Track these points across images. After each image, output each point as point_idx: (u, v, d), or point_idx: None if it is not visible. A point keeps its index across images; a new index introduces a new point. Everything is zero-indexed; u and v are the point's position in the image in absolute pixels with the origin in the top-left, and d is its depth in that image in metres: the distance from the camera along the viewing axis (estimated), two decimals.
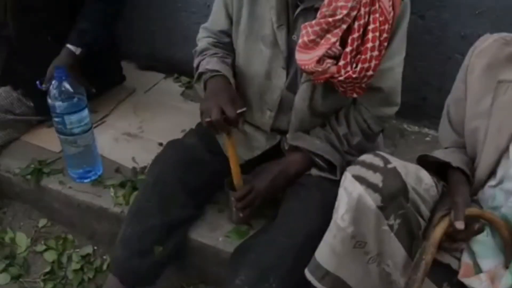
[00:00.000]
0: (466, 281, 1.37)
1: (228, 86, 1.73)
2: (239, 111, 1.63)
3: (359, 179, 1.36)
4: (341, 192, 1.41)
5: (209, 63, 1.78)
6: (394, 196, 1.35)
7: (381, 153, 1.43)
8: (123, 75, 2.68)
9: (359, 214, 1.36)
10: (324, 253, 1.45)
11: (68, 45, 2.20)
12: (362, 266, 1.43)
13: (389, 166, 1.37)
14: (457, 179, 1.44)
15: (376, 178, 1.35)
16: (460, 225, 1.30)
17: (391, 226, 1.37)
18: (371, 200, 1.34)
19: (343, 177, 1.42)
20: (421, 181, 1.41)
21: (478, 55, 1.45)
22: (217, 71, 1.75)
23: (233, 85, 1.77)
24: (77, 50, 2.20)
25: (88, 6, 2.24)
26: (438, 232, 1.35)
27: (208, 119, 1.61)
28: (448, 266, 1.42)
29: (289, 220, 1.68)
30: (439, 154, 1.55)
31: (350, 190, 1.37)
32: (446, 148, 1.62)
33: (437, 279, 1.42)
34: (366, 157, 1.42)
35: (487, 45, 1.44)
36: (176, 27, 2.72)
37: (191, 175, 1.83)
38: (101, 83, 2.44)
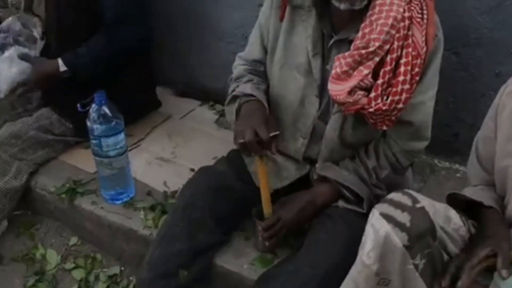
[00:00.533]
0: None
1: (263, 110, 1.76)
2: (272, 134, 1.65)
3: (386, 217, 1.36)
4: (368, 229, 1.40)
5: (245, 89, 1.82)
6: (421, 236, 1.34)
7: (410, 191, 1.42)
8: (158, 101, 2.74)
9: (385, 252, 1.36)
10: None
11: (59, 59, 2.28)
12: None
13: (418, 205, 1.37)
14: (494, 217, 1.42)
15: (404, 218, 1.35)
16: (506, 274, 1.27)
17: (416, 266, 1.36)
18: (398, 239, 1.34)
19: (370, 214, 1.42)
20: (450, 220, 1.40)
21: (509, 94, 1.45)
22: (252, 95, 1.79)
23: (267, 110, 1.79)
24: (62, 68, 2.27)
25: (96, 35, 2.30)
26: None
27: (241, 141, 1.63)
28: None
29: (314, 251, 1.68)
30: (469, 192, 1.55)
31: (377, 228, 1.37)
32: (475, 185, 1.61)
33: None
34: (395, 196, 1.42)
35: None
36: (214, 57, 2.78)
37: (221, 202, 1.86)
38: (137, 110, 2.52)
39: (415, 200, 1.38)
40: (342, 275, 1.61)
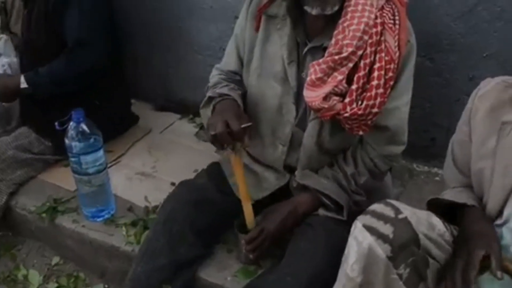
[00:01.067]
0: None
1: (236, 105, 1.77)
2: (244, 125, 1.65)
3: (369, 229, 1.37)
4: (351, 241, 1.41)
5: (220, 90, 1.84)
6: (404, 246, 1.35)
7: (392, 202, 1.43)
8: (136, 116, 2.75)
9: (368, 264, 1.36)
10: None
11: (22, 75, 2.30)
12: None
13: (400, 216, 1.37)
14: (479, 215, 1.43)
15: (386, 229, 1.35)
16: (501, 275, 1.27)
17: (400, 275, 1.36)
18: (381, 251, 1.34)
19: (353, 226, 1.42)
20: (433, 227, 1.41)
21: (481, 98, 1.47)
22: (227, 95, 1.80)
23: (241, 108, 1.80)
24: (23, 84, 2.28)
25: (59, 57, 2.29)
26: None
27: (213, 133, 1.64)
28: None
29: (295, 261, 1.69)
30: (449, 194, 1.56)
31: (360, 240, 1.37)
32: (453, 187, 1.63)
33: None
34: (377, 207, 1.42)
35: (489, 88, 1.47)
36: (192, 70, 2.79)
37: (201, 215, 1.86)
38: (114, 127, 2.52)
39: (397, 211, 1.38)
40: (324, 284, 1.63)
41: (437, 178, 2.34)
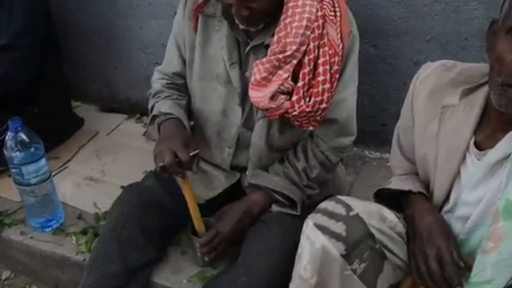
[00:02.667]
0: None
1: (181, 129, 1.72)
2: (192, 153, 1.61)
3: (321, 228, 1.35)
4: (303, 241, 1.39)
5: (163, 106, 1.78)
6: (358, 243, 1.33)
7: (343, 198, 1.41)
8: (81, 119, 2.68)
9: (322, 264, 1.34)
10: None
11: None
12: None
13: (352, 213, 1.36)
14: (427, 206, 1.43)
15: (339, 228, 1.34)
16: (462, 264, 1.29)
17: (354, 270, 1.35)
18: (335, 250, 1.32)
19: (304, 224, 1.40)
20: (385, 219, 1.40)
21: (421, 82, 1.47)
22: (171, 114, 1.75)
23: (188, 127, 1.76)
24: None
25: None
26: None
27: (161, 164, 1.59)
28: None
29: (251, 260, 1.67)
30: (395, 182, 1.56)
31: (313, 240, 1.35)
32: (399, 175, 1.62)
33: None
34: (328, 205, 1.40)
35: (429, 72, 1.47)
36: (135, 68, 2.74)
37: (150, 218, 1.81)
38: (58, 134, 2.46)
39: (348, 208, 1.37)
40: (280, 281, 1.62)
41: (389, 164, 2.34)
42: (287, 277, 1.53)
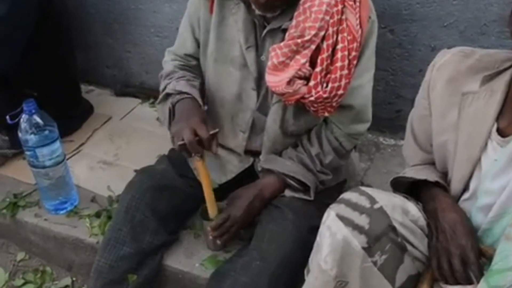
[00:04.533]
0: (447, 287, 1.35)
1: (198, 107, 1.72)
2: (212, 132, 1.61)
3: (344, 219, 1.32)
4: (324, 231, 1.36)
5: (177, 86, 1.77)
6: (380, 236, 1.31)
7: (367, 190, 1.38)
8: (91, 106, 2.69)
9: (342, 255, 1.32)
10: None
11: None
12: None
13: (376, 206, 1.33)
14: (448, 201, 1.41)
15: (362, 220, 1.31)
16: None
17: (374, 262, 1.33)
18: (357, 242, 1.30)
19: (325, 214, 1.38)
20: (407, 213, 1.38)
21: (439, 69, 1.44)
22: (186, 93, 1.74)
23: (202, 107, 1.76)
24: None
25: None
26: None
27: (181, 142, 1.59)
28: None
29: (263, 243, 1.66)
30: (411, 172, 1.53)
31: (334, 231, 1.33)
32: (413, 166, 1.60)
33: None
34: (352, 196, 1.37)
35: (446, 59, 1.44)
36: (149, 53, 2.73)
37: (163, 201, 1.82)
38: (69, 123, 2.46)
39: (373, 201, 1.34)
40: (293, 266, 1.63)
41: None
42: (300, 262, 1.54)
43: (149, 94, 2.79)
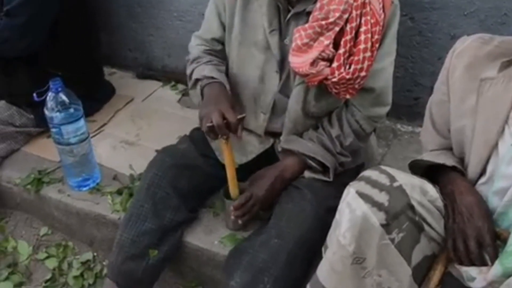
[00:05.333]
0: (463, 268, 1.39)
1: (226, 92, 1.76)
2: (239, 116, 1.65)
3: (363, 196, 1.35)
4: (343, 207, 1.38)
5: (204, 70, 1.81)
6: (399, 214, 1.34)
7: (387, 169, 1.41)
8: (113, 88, 2.74)
9: (361, 231, 1.34)
10: (323, 270, 1.45)
11: None
12: (357, 281, 1.41)
13: (395, 184, 1.35)
14: (466, 185, 1.43)
15: (382, 197, 1.34)
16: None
17: (392, 240, 1.35)
18: (375, 219, 1.33)
19: (345, 191, 1.40)
20: (426, 193, 1.40)
21: (458, 56, 1.47)
22: (214, 78, 1.78)
23: (229, 92, 1.80)
24: None
25: None
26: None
27: (209, 124, 1.63)
28: None
29: (282, 222, 1.70)
30: (429, 157, 1.56)
31: (354, 207, 1.35)
32: (431, 151, 1.62)
33: None
34: (372, 174, 1.40)
35: (466, 46, 1.46)
36: (172, 36, 2.77)
37: (184, 179, 1.86)
38: (92, 104, 2.50)
39: (392, 179, 1.37)
40: (311, 245, 1.66)
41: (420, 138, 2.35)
42: (317, 242, 1.57)
43: (170, 77, 2.83)
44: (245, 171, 1.87)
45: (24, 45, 2.24)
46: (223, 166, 1.80)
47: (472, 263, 1.35)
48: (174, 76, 2.81)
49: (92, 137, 2.36)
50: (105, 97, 2.69)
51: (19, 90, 2.33)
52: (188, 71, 1.90)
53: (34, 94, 2.09)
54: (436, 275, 1.42)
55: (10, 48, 2.24)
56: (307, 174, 1.82)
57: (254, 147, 1.91)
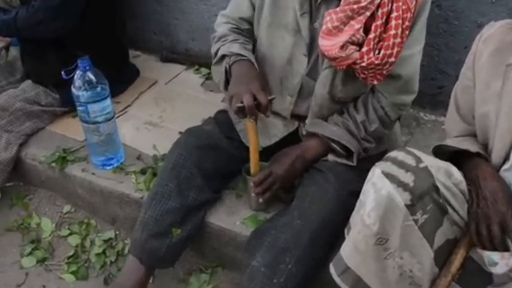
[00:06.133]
0: (484, 253, 1.39)
1: (256, 72, 1.77)
2: (269, 97, 1.66)
3: (389, 176, 1.35)
4: (368, 187, 1.39)
5: (232, 47, 1.81)
6: (423, 195, 1.34)
7: (413, 150, 1.41)
8: (137, 70, 2.76)
9: (385, 211, 1.35)
10: (347, 249, 1.47)
11: None
12: (379, 262, 1.43)
13: (421, 165, 1.36)
14: (490, 170, 1.43)
15: (407, 178, 1.34)
16: None
17: (416, 221, 1.36)
18: (400, 198, 1.33)
19: (371, 172, 1.41)
20: (451, 176, 1.40)
21: (485, 41, 1.47)
22: (242, 55, 1.79)
23: (258, 71, 1.80)
24: None
25: (30, 5, 2.25)
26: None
27: (240, 104, 1.64)
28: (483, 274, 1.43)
29: (305, 204, 1.71)
30: (453, 142, 1.56)
31: (379, 187, 1.36)
32: (455, 137, 1.63)
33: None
34: (398, 154, 1.40)
35: (493, 31, 1.46)
36: (196, 20, 2.78)
37: (208, 160, 1.88)
38: (116, 86, 2.50)
39: (418, 160, 1.37)
40: (332, 227, 1.67)
41: (444, 127, 2.32)
42: (339, 224, 1.59)
43: (194, 61, 2.84)
44: (268, 155, 1.88)
45: (58, 27, 2.27)
46: (247, 149, 1.81)
47: (494, 248, 1.35)
48: (197, 60, 2.83)
49: (116, 118, 2.38)
50: (130, 79, 2.71)
51: (46, 71, 2.36)
52: (213, 48, 1.90)
53: (63, 72, 2.12)
54: (457, 259, 1.42)
55: (44, 30, 2.27)
56: (330, 157, 1.83)
57: (278, 130, 1.92)
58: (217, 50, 1.86)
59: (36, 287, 2.08)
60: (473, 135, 1.57)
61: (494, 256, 1.37)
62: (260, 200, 1.84)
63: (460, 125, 1.62)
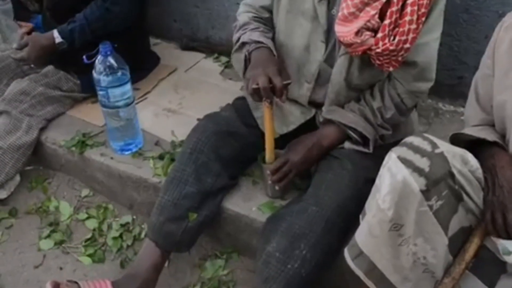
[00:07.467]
0: (499, 241, 1.38)
1: (274, 58, 1.78)
2: (285, 82, 1.67)
3: (405, 161, 1.35)
4: (384, 172, 1.39)
5: (252, 35, 1.83)
6: (439, 181, 1.34)
7: (429, 136, 1.41)
8: (158, 57, 2.78)
9: (401, 196, 1.35)
10: (361, 233, 1.47)
11: (54, 30, 2.29)
12: (393, 249, 1.43)
13: (437, 151, 1.35)
14: (508, 159, 1.42)
15: (423, 163, 1.34)
16: None
17: (430, 206, 1.36)
18: (416, 184, 1.33)
19: (386, 157, 1.41)
20: (467, 163, 1.39)
21: (506, 29, 1.46)
22: (262, 43, 1.80)
23: (276, 58, 1.81)
24: (58, 39, 2.28)
25: (93, 5, 2.29)
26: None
27: (255, 86, 1.65)
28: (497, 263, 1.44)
29: (321, 191, 1.72)
30: (471, 131, 1.55)
31: (395, 172, 1.36)
32: (473, 126, 1.62)
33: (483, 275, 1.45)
34: (414, 140, 1.40)
35: None
36: (216, 8, 2.78)
37: (226, 146, 1.89)
38: (136, 72, 2.50)
39: (434, 146, 1.37)
40: (348, 215, 1.67)
41: (462, 118, 2.32)
42: (354, 211, 1.59)
43: (213, 49, 2.86)
44: (285, 142, 1.89)
45: (133, 14, 2.35)
46: (264, 136, 1.82)
47: (509, 237, 1.35)
48: (217, 48, 2.84)
49: (135, 104, 2.41)
50: (150, 66, 2.73)
51: (68, 57, 2.38)
52: (235, 37, 1.91)
53: (84, 57, 2.14)
54: (472, 248, 1.42)
55: (119, 22, 2.34)
56: (347, 145, 1.83)
57: (295, 117, 1.93)
58: (238, 39, 1.87)
59: (53, 268, 2.11)
60: (492, 125, 1.56)
61: (509, 245, 1.37)
62: (277, 187, 1.86)
63: (479, 114, 1.61)
